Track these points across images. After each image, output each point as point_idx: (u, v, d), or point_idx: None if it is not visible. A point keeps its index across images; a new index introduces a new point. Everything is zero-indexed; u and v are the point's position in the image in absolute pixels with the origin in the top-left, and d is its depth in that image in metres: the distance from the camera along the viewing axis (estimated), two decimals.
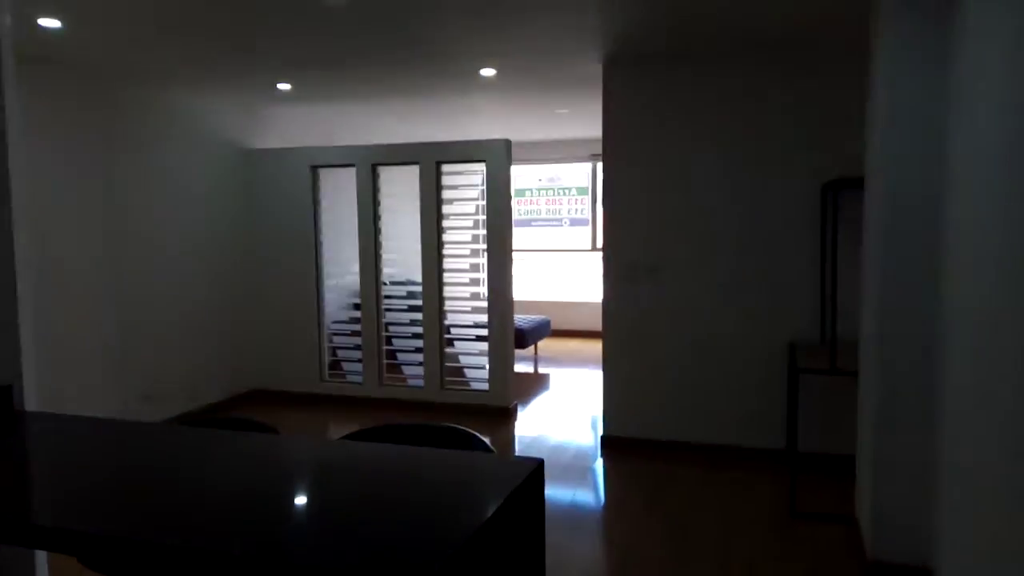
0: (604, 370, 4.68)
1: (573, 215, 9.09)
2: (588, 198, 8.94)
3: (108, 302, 4.69)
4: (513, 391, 5.66)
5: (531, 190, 9.24)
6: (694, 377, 4.48)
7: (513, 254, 5.54)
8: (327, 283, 5.90)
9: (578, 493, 4.01)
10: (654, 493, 3.96)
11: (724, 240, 4.36)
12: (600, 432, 4.74)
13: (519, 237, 9.30)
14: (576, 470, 4.34)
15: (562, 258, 9.44)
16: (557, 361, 7.60)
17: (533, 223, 9.29)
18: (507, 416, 5.38)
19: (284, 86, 5.15)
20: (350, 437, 2.10)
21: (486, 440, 1.98)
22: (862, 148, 3.56)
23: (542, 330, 7.32)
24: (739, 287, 4.36)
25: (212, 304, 5.58)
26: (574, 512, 3.75)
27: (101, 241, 4.64)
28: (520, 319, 7.17)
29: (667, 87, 4.41)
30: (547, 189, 9.18)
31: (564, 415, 5.57)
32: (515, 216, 9.19)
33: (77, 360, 4.48)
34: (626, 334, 4.60)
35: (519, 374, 6.94)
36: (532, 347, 7.54)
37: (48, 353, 4.23)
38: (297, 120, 6.55)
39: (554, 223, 9.18)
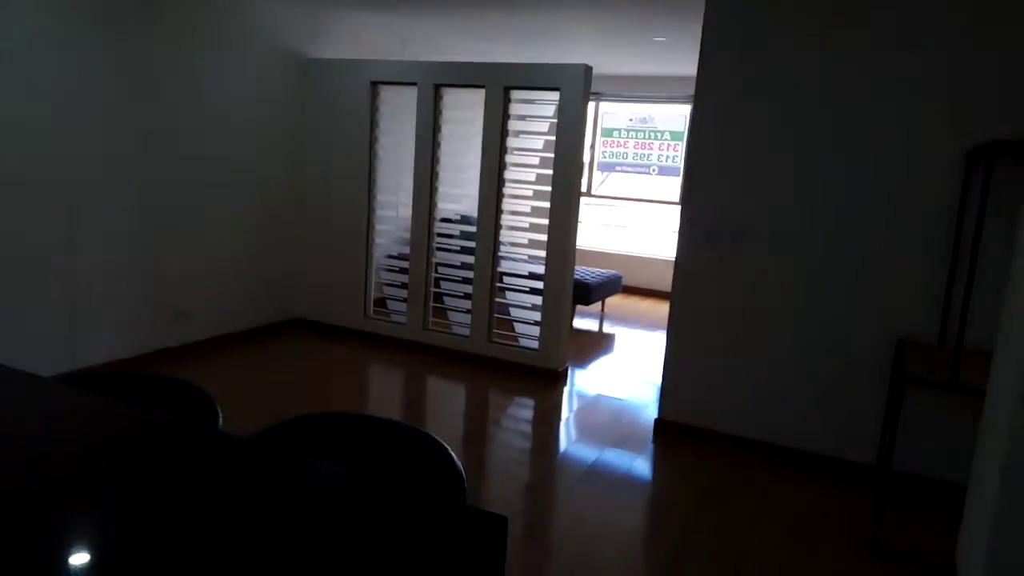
0: (667, 343, 4.04)
1: (663, 163, 8.26)
2: (682, 145, 8.07)
3: (138, 207, 4.38)
4: (568, 351, 5.11)
5: (619, 131, 8.43)
6: (773, 365, 3.79)
7: (589, 199, 4.90)
8: (379, 213, 5.44)
9: (625, 483, 3.46)
10: (710, 496, 3.36)
11: (830, 207, 3.58)
12: (655, 414, 4.15)
13: (601, 181, 8.58)
14: (626, 456, 3.78)
15: (645, 209, 8.67)
16: (625, 321, 6.97)
17: (617, 167, 8.52)
18: (555, 380, 4.84)
19: None
20: (298, 421, 1.61)
21: (456, 460, 1.44)
22: None
23: (611, 286, 6.68)
24: (841, 265, 3.59)
25: (256, 222, 5.23)
26: (620, 502, 3.21)
27: (136, 143, 4.29)
28: (587, 272, 6.57)
29: (784, 14, 3.58)
30: (637, 131, 8.35)
31: (625, 382, 4.98)
32: (599, 158, 8.47)
33: (102, 266, 4.21)
34: (698, 305, 3.93)
35: (581, 332, 6.39)
36: (599, 304, 6.94)
37: (64, 255, 3.97)
38: (363, 32, 6.00)
39: (641, 169, 8.38)
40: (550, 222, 4.73)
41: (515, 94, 4.77)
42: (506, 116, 4.78)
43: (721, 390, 3.92)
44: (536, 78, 4.68)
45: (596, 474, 3.53)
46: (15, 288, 3.78)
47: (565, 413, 4.39)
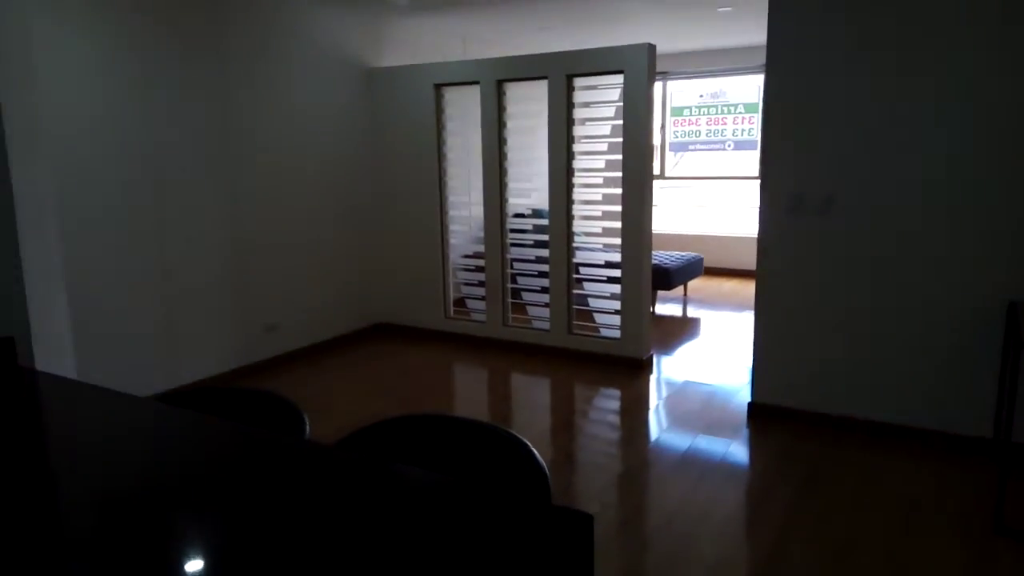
0: (756, 323, 3.89)
1: (738, 137, 7.98)
2: (757, 116, 7.78)
3: (222, 227, 4.57)
4: (652, 338, 5.01)
5: (690, 108, 8.20)
6: (873, 339, 3.59)
7: (662, 182, 4.78)
8: (452, 214, 5.48)
9: (721, 469, 3.36)
10: (811, 479, 3.21)
11: (922, 166, 3.35)
12: (748, 398, 4.01)
13: (674, 163, 8.38)
14: (720, 442, 3.67)
15: (723, 186, 8.41)
16: (710, 303, 6.78)
17: (691, 147, 8.29)
18: (639, 369, 4.75)
19: None
20: (381, 425, 1.62)
21: (538, 457, 1.42)
22: None
23: (693, 269, 6.51)
24: (941, 227, 3.35)
25: (333, 232, 5.37)
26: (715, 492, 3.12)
27: (215, 163, 4.47)
28: (667, 256, 6.42)
29: None
30: (709, 107, 8.10)
31: (714, 366, 4.84)
32: (671, 139, 8.28)
33: (191, 288, 4.41)
34: (785, 282, 3.76)
35: (664, 318, 6.26)
36: (681, 288, 6.78)
37: (158, 280, 4.18)
38: (422, 36, 6.06)
39: (716, 146, 8.13)
40: (623, 208, 4.64)
41: (578, 81, 4.70)
42: (570, 105, 4.72)
43: (817, 368, 3.75)
44: (598, 63, 4.60)
45: (690, 462, 3.43)
46: (111, 315, 4.00)
47: (653, 401, 4.30)
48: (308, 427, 1.67)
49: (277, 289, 4.95)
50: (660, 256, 6.37)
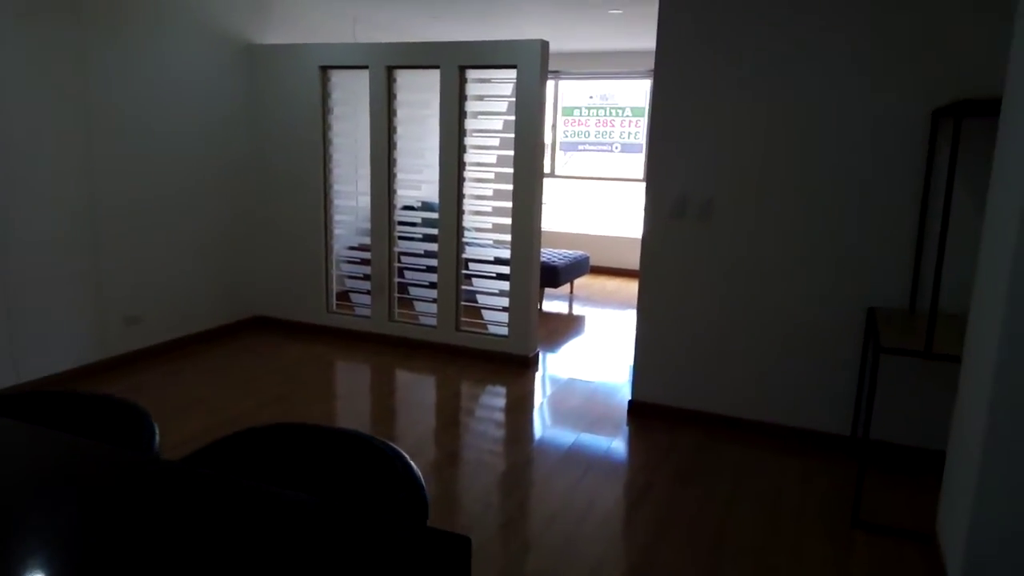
0: (638, 324, 3.96)
1: (625, 139, 8.16)
2: (644, 120, 7.98)
3: (83, 212, 4.15)
4: (539, 336, 5.01)
5: (580, 109, 8.31)
6: (745, 340, 3.73)
7: (551, 180, 4.77)
8: (337, 204, 5.25)
9: (602, 467, 3.37)
10: (687, 475, 3.29)
11: (795, 177, 3.50)
12: (629, 395, 4.07)
13: (564, 162, 8.47)
14: (601, 440, 3.69)
15: (609, 187, 8.58)
16: (594, 301, 6.89)
17: (580, 147, 8.40)
18: (526, 366, 4.74)
19: None
20: (247, 434, 1.47)
21: (416, 471, 1.32)
22: (998, 59, 2.64)
23: (579, 267, 6.59)
24: (811, 235, 3.52)
25: (208, 218, 5.01)
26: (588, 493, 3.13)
27: (69, 135, 4.05)
28: (555, 254, 6.47)
29: None
30: (598, 108, 8.23)
31: (597, 364, 4.90)
32: (561, 138, 8.35)
33: (36, 273, 3.97)
34: (667, 283, 3.85)
35: (550, 315, 6.30)
36: (567, 286, 6.85)
37: (7, 265, 3.74)
38: (309, 14, 5.77)
39: (604, 147, 8.28)
40: (514, 205, 4.60)
41: (471, 73, 4.61)
42: (463, 97, 4.62)
43: (694, 368, 3.86)
44: (492, 55, 4.53)
45: (572, 460, 3.44)
46: None
47: (538, 399, 4.29)
48: (158, 437, 1.49)
49: (141, 277, 4.56)
50: (548, 254, 6.40)
